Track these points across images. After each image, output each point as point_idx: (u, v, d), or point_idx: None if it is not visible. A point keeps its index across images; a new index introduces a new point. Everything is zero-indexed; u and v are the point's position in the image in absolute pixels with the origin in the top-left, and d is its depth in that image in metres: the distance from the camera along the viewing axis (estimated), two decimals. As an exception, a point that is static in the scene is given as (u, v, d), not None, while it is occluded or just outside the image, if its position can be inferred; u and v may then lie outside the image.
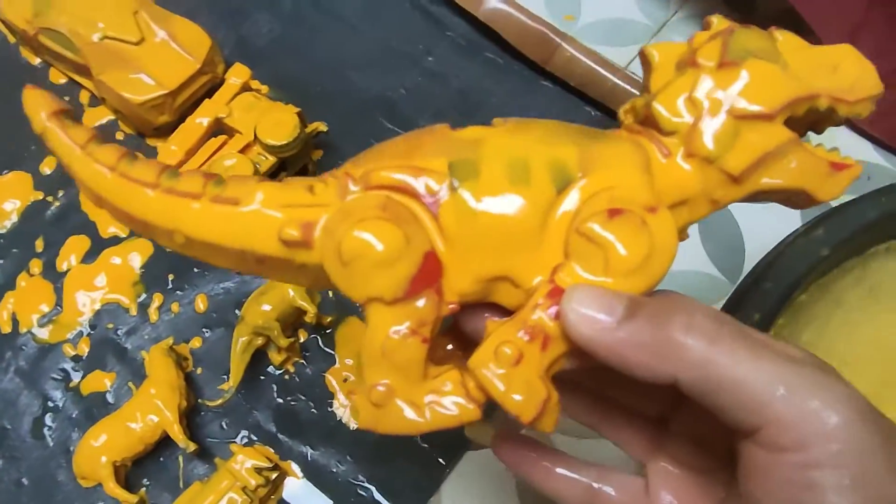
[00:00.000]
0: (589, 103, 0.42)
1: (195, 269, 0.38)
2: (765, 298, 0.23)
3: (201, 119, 0.38)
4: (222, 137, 0.37)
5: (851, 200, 0.26)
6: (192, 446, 0.32)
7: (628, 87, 0.40)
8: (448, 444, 0.33)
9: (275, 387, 0.35)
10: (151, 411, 0.33)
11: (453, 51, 0.44)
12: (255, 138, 0.36)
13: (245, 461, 0.32)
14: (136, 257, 0.38)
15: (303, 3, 0.45)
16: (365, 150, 0.22)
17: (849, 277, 0.27)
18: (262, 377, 0.35)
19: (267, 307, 0.35)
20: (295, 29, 0.44)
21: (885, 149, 0.42)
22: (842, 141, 0.42)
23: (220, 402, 0.34)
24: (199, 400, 0.35)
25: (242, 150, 0.37)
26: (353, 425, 0.34)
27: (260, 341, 0.35)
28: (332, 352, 0.36)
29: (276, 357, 0.35)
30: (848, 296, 0.27)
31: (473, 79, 0.43)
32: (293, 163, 0.38)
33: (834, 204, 0.27)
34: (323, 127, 0.39)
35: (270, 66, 0.43)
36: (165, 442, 0.33)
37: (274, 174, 0.38)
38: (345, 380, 0.35)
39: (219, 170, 0.35)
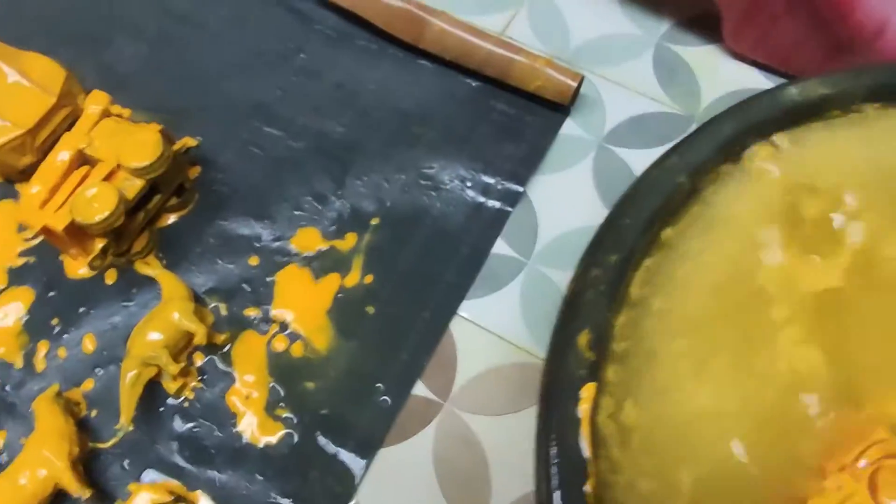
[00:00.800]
0: (468, 75, 0.41)
1: (80, 309, 0.36)
2: (621, 236, 0.22)
3: (62, 154, 0.36)
4: (84, 168, 0.36)
5: (704, 123, 0.25)
6: (86, 493, 0.30)
7: (505, 52, 0.39)
8: (360, 446, 0.32)
9: (175, 416, 0.33)
10: (40, 465, 0.31)
11: (325, 44, 0.42)
12: (119, 164, 0.35)
13: (144, 500, 0.30)
14: (17, 307, 0.36)
15: (167, 21, 0.44)
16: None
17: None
18: (161, 408, 0.34)
19: (154, 335, 0.33)
20: (162, 48, 0.43)
21: (772, 72, 0.41)
22: (728, 71, 0.41)
23: (111, 442, 0.32)
24: (90, 443, 0.33)
25: (107, 178, 0.35)
26: (261, 442, 0.33)
27: (151, 372, 0.33)
28: (232, 370, 0.34)
29: (171, 385, 0.33)
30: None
31: (349, 69, 0.42)
32: (165, 183, 0.37)
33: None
34: (192, 142, 0.37)
35: (139, 89, 0.41)
36: (65, 493, 0.32)
37: (146, 198, 0.36)
38: (247, 397, 0.34)
39: (81, 202, 0.34)
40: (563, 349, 0.20)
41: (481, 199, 0.37)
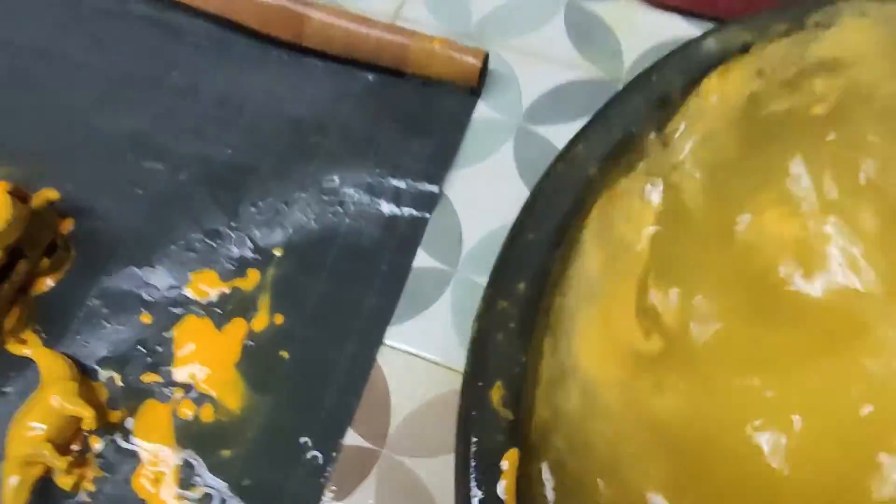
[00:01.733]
0: (362, 68, 0.36)
1: (-47, 406, 0.31)
2: (528, 256, 0.18)
3: None
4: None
5: (612, 98, 0.21)
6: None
7: (396, 37, 0.35)
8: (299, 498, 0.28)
9: (78, 514, 0.29)
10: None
11: (198, 57, 0.37)
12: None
13: None
14: None
15: (18, 58, 0.38)
16: None
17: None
18: (61, 507, 0.29)
19: (36, 427, 0.29)
20: (14, 89, 0.37)
21: (697, 17, 0.37)
22: (648, 23, 0.37)
23: (-2, 562, 0.28)
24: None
25: (-45, 252, 0.30)
26: (181, 528, 0.28)
27: (37, 472, 0.28)
28: (136, 448, 0.30)
29: (65, 481, 0.29)
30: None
31: (229, 81, 0.37)
32: (30, 245, 0.32)
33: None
34: (54, 194, 0.32)
35: (-10, 142, 0.36)
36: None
37: (7, 266, 0.31)
38: (156, 479, 0.29)
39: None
40: (474, 410, 0.16)
41: (394, 207, 0.33)
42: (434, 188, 0.33)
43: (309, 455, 0.29)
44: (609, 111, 0.20)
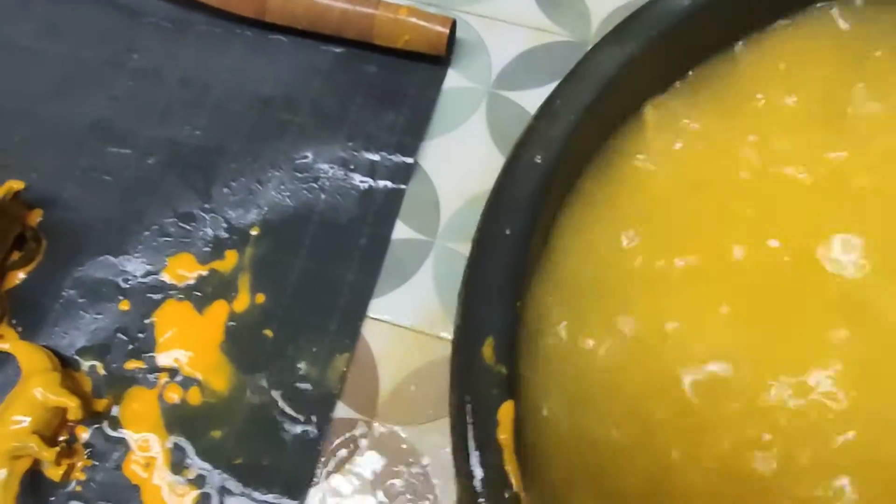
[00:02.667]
0: (328, 42, 0.36)
1: (-69, 406, 0.30)
2: (514, 205, 0.18)
3: None
4: None
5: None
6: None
7: (361, 8, 0.34)
8: (288, 489, 0.28)
9: (69, 505, 0.29)
10: None
11: (159, 38, 0.37)
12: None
13: None
14: None
15: (-31, 46, 0.37)
16: None
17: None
18: (52, 498, 0.29)
19: (20, 420, 0.28)
20: (-34, 80, 0.36)
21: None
22: None
23: (-6, 557, 0.28)
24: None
25: (-79, 249, 0.30)
26: (175, 511, 0.28)
27: (24, 465, 0.28)
28: (124, 436, 0.30)
29: (54, 472, 0.28)
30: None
31: (193, 62, 0.36)
32: (-2, 239, 0.31)
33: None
34: (18, 184, 0.32)
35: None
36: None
37: (-23, 261, 0.31)
38: (147, 464, 0.29)
39: None
40: (467, 367, 0.16)
41: (369, 180, 0.33)
42: (409, 159, 0.33)
43: (300, 430, 0.29)
44: (581, 68, 0.20)
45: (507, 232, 0.18)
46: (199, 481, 0.29)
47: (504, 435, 0.16)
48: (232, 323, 0.31)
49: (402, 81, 0.35)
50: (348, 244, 0.32)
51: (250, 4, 0.35)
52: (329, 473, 0.29)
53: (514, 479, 0.15)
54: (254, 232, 0.32)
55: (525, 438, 0.17)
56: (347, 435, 0.29)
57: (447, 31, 0.34)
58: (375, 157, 0.33)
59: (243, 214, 0.33)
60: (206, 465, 0.29)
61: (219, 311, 0.31)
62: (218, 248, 0.32)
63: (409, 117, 0.34)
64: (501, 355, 0.16)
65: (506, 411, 0.16)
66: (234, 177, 0.33)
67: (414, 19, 0.34)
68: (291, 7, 0.35)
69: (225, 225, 0.33)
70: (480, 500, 0.15)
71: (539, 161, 0.19)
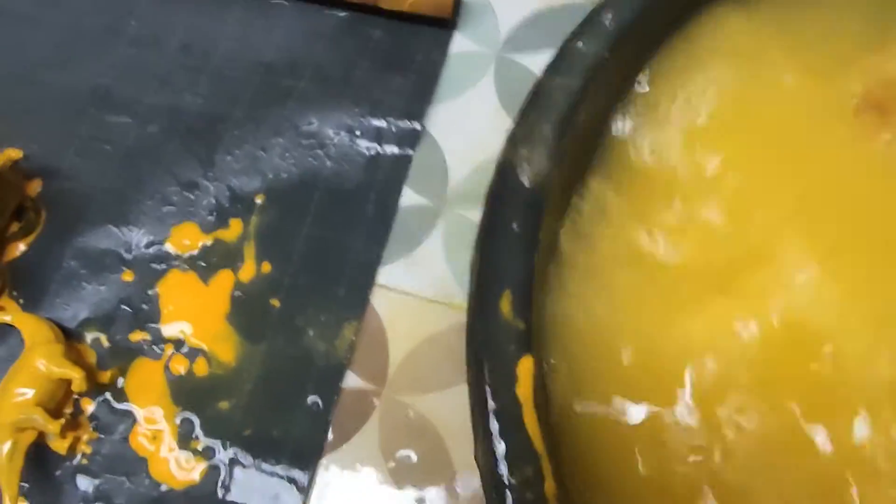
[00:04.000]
0: (333, 5, 0.35)
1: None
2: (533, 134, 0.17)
3: None
4: None
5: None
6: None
7: (365, -31, 0.33)
8: (297, 460, 0.27)
9: (76, 478, 0.28)
10: None
11: (158, 4, 0.36)
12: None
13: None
14: None
15: (-37, 14, 0.36)
16: None
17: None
18: (58, 472, 0.28)
19: (23, 392, 0.28)
20: (-38, 48, 0.35)
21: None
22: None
23: (-3, 530, 0.27)
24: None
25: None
26: (183, 484, 0.28)
27: (29, 437, 0.28)
28: (130, 408, 0.29)
29: (59, 445, 0.28)
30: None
31: (192, 27, 0.35)
32: (-2, 209, 0.30)
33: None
34: (16, 153, 0.31)
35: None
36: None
37: (-24, 231, 0.30)
38: (154, 436, 0.29)
39: None
40: (483, 322, 0.16)
41: (376, 146, 0.32)
42: (416, 125, 0.32)
43: (309, 400, 0.29)
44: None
45: (526, 185, 0.18)
46: (207, 453, 0.28)
47: (523, 390, 0.15)
48: (238, 293, 0.30)
49: (408, 45, 0.34)
50: (355, 211, 0.31)
51: (251, -33, 0.34)
52: (339, 444, 0.28)
53: (534, 436, 0.15)
54: (258, 200, 0.32)
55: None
56: (357, 404, 0.29)
57: (454, -9, 0.33)
58: (382, 123, 0.32)
59: (247, 182, 0.32)
60: (215, 437, 0.28)
61: (224, 281, 0.31)
62: (222, 217, 0.31)
63: (415, 82, 0.33)
64: (519, 310, 0.16)
65: (524, 367, 0.15)
66: (238, 144, 0.33)
67: (420, -20, 0.33)
68: (293, -31, 0.34)
69: (228, 193, 0.32)
70: (500, 459, 0.14)
71: (560, 110, 0.18)
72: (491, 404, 0.15)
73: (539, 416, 0.15)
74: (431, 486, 0.27)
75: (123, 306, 0.31)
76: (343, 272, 0.30)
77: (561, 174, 0.18)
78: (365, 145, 0.32)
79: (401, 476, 0.28)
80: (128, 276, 0.31)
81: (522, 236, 0.17)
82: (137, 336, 0.30)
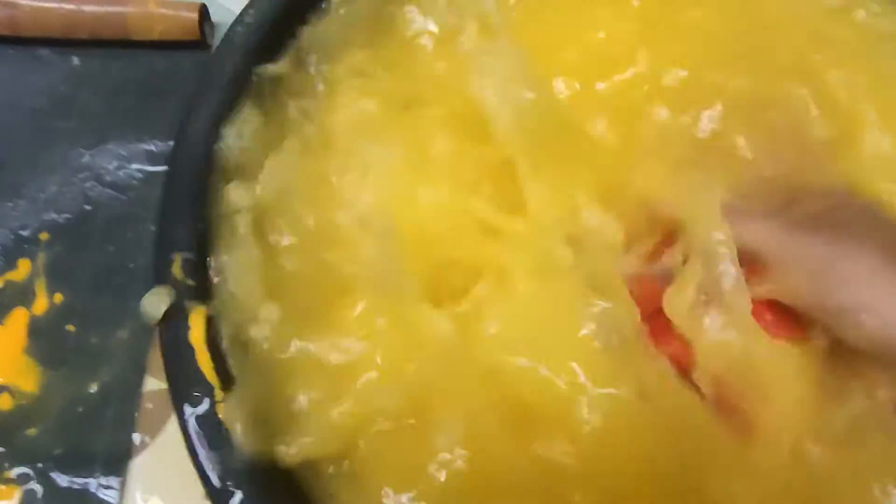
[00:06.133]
0: (91, 46, 0.36)
1: None
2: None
3: None
4: None
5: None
6: None
7: (112, 8, 0.35)
8: (109, 467, 0.29)
9: None
10: None
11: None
12: None
13: None
14: None
15: None
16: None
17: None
18: None
19: None
20: None
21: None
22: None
23: None
24: None
25: None
26: None
27: None
28: None
29: None
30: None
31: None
32: None
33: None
34: None
35: None
36: None
37: None
38: None
39: None
40: (160, 283, 0.19)
41: (148, 167, 0.34)
42: (184, 142, 0.35)
43: (113, 410, 0.30)
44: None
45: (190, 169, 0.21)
46: (22, 479, 0.30)
47: (195, 335, 0.18)
48: (33, 326, 0.32)
49: (167, 71, 0.36)
50: (137, 229, 0.33)
51: (1, 22, 0.36)
52: (146, 444, 0.30)
53: (206, 370, 0.18)
54: (43, 237, 0.33)
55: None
56: (158, 405, 0.31)
57: (195, 15, 0.35)
58: (152, 147, 0.35)
59: (31, 223, 0.33)
60: (26, 463, 0.30)
61: (18, 319, 0.32)
62: (9, 259, 0.33)
63: (178, 103, 0.35)
64: (189, 271, 0.19)
65: (196, 317, 0.18)
66: (17, 189, 0.34)
67: (163, 10, 0.35)
68: (43, 18, 0.36)
69: (13, 237, 0.33)
70: (176, 394, 0.17)
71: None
72: (171, 353, 0.18)
73: (212, 354, 0.18)
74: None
75: (-79, 361, 0.32)
76: (131, 288, 0.32)
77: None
78: (138, 168, 0.34)
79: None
80: (-78, 332, 0.32)
81: (190, 210, 0.19)
82: (-62, 386, 0.31)
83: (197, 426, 0.18)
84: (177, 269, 0.19)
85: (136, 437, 0.30)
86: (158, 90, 0.36)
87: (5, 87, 0.36)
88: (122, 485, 0.29)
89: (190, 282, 0.19)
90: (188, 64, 0.36)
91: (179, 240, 0.19)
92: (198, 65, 0.36)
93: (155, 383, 0.31)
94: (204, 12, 0.36)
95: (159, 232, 0.20)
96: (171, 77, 0.36)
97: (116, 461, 0.30)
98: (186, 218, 0.20)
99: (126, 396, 0.31)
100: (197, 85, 0.24)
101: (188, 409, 0.17)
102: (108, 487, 0.29)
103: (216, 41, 0.37)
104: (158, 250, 0.19)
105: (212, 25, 0.37)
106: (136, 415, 0.30)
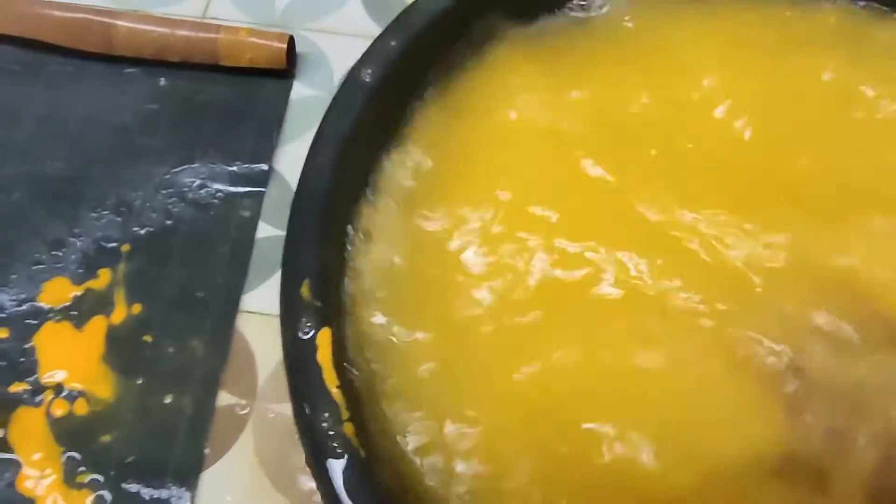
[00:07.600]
0: (179, 68, 0.38)
1: None
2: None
3: None
4: None
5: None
6: None
7: (204, 34, 0.37)
8: (178, 478, 0.30)
9: (-35, 531, 0.30)
10: None
11: (12, 82, 0.38)
12: None
13: None
14: None
15: None
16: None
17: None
18: (-53, 528, 0.30)
19: None
20: None
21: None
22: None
23: None
24: None
25: None
26: (73, 518, 0.30)
27: (-87, 495, 0.29)
28: (14, 456, 0.31)
29: (-55, 499, 0.30)
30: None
31: (49, 100, 0.38)
32: None
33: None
34: None
35: None
36: None
37: None
38: (40, 478, 0.31)
39: None
40: (288, 305, 0.20)
41: (229, 188, 0.36)
42: (264, 166, 0.36)
43: (185, 423, 0.31)
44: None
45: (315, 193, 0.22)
46: (93, 485, 0.30)
47: (322, 355, 0.19)
48: (111, 335, 0.33)
49: (251, 97, 0.38)
50: (216, 247, 0.34)
51: (97, 41, 0.37)
52: (218, 457, 0.31)
53: (333, 391, 0.18)
54: (124, 249, 0.34)
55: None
56: (230, 419, 0.31)
57: (284, 45, 0.37)
58: (233, 168, 0.36)
59: (113, 234, 0.35)
60: (99, 470, 0.30)
61: (97, 326, 0.33)
62: (91, 269, 0.34)
63: (260, 128, 0.37)
64: (316, 293, 0.19)
65: (323, 336, 0.19)
66: (101, 201, 0.35)
67: (254, 39, 0.37)
68: (137, 39, 0.37)
69: (95, 247, 0.34)
70: (306, 411, 0.18)
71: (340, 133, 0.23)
72: (296, 370, 0.18)
73: (338, 375, 0.19)
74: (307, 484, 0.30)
75: (1, 362, 0.32)
76: (209, 304, 0.33)
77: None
78: (219, 188, 0.36)
79: (276, 479, 0.30)
80: (3, 334, 0.33)
81: (317, 234, 0.20)
82: (17, 387, 0.32)
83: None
84: (305, 292, 0.20)
85: (207, 451, 0.31)
86: (241, 115, 0.37)
87: (93, 104, 0.38)
88: (192, 498, 0.30)
89: (317, 303, 0.19)
90: (274, 91, 0.38)
91: (308, 264, 0.20)
92: (284, 93, 0.38)
93: (227, 399, 0.32)
94: (292, 43, 0.37)
95: (288, 251, 0.21)
96: (256, 103, 0.37)
97: (187, 474, 0.30)
98: (314, 239, 0.21)
99: (199, 410, 0.31)
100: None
101: (314, 422, 0.18)
102: (178, 498, 0.30)
103: (302, 72, 0.39)
104: (288, 272, 0.20)
105: (296, 56, 0.39)
106: (209, 429, 0.31)
